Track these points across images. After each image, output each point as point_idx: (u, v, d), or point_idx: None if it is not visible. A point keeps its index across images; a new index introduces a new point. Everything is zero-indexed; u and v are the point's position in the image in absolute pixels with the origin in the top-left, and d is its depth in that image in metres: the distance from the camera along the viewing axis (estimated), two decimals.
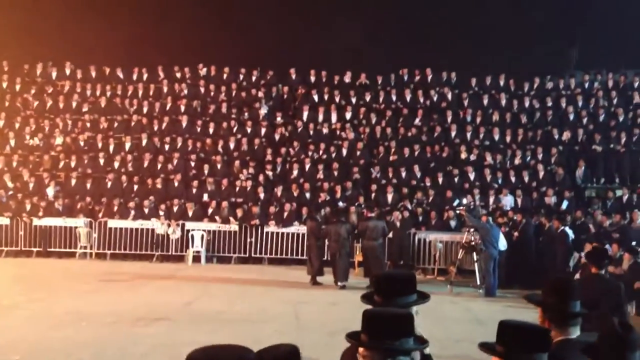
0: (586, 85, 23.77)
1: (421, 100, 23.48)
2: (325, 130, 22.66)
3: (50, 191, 20.97)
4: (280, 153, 22.16)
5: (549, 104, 23.03)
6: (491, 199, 20.01)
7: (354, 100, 23.67)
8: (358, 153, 21.92)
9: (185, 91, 24.10)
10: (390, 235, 18.45)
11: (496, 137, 22.09)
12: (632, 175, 21.00)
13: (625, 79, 23.43)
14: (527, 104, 23.13)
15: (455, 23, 25.32)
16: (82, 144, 22.35)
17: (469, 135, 22.15)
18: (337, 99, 23.73)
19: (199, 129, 22.89)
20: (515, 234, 17.45)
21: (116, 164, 21.77)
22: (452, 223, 19.39)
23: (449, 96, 23.49)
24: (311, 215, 18.03)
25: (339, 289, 15.81)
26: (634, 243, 15.23)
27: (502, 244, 16.27)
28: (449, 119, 22.80)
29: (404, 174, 21.18)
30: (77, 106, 23.55)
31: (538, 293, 3.96)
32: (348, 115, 23.20)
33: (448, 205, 19.87)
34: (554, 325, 3.65)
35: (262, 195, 20.72)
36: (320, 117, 23.14)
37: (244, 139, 22.36)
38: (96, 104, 23.74)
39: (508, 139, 22.00)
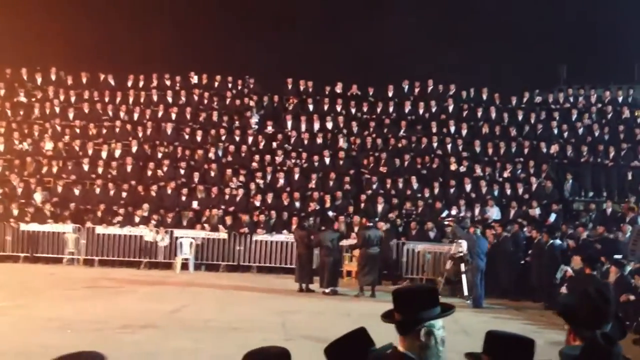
0: (572, 99, 23.85)
1: (413, 111, 23.51)
2: (319, 140, 22.67)
3: (38, 196, 20.86)
4: (270, 162, 22.15)
5: (539, 117, 23.14)
6: (477, 210, 20.06)
7: (344, 110, 23.69)
8: (341, 162, 21.91)
9: (177, 99, 24.04)
10: None
11: (479, 150, 22.15)
12: (620, 189, 21.17)
13: (610, 94, 23.60)
14: (519, 117, 23.21)
15: (449, 37, 25.52)
16: (77, 148, 22.24)
17: (455, 146, 22.22)
18: (329, 108, 23.73)
19: (187, 137, 22.85)
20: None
21: (100, 170, 21.67)
22: (431, 234, 19.40)
23: (441, 108, 23.54)
24: (300, 224, 18.07)
25: (324, 296, 15.96)
26: (619, 256, 15.31)
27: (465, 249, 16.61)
28: (434, 130, 22.83)
29: (400, 184, 21.20)
30: (65, 112, 23.43)
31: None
32: (335, 125, 23.17)
33: (435, 216, 19.91)
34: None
35: (257, 204, 20.69)
36: (310, 127, 23.13)
37: (233, 147, 22.34)
38: (84, 110, 23.63)
39: (491, 151, 22.07)
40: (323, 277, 16.52)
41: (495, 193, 20.79)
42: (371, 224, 17.60)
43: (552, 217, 19.60)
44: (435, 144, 22.33)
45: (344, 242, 18.30)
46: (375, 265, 16.73)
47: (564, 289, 14.46)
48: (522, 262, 17.74)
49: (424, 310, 3.13)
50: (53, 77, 24.64)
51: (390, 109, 23.62)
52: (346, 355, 3.18)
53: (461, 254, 16.58)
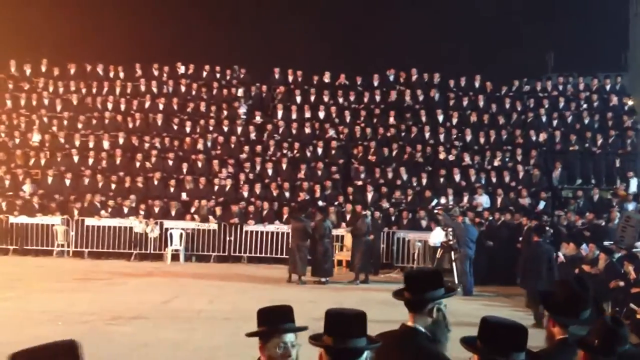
0: (561, 87, 23.95)
1: (402, 100, 23.51)
2: (307, 130, 22.63)
3: (26, 188, 20.74)
4: (258, 152, 22.09)
5: (527, 106, 23.22)
6: (465, 199, 20.14)
7: (332, 100, 23.65)
8: (332, 152, 21.91)
9: (164, 89, 23.93)
10: None
11: (469, 138, 22.19)
12: (608, 176, 21.29)
13: (597, 82, 23.70)
14: (506, 105, 23.26)
15: (436, 26, 25.51)
16: (62, 140, 22.11)
17: (443, 136, 22.26)
18: (317, 99, 23.70)
19: (176, 127, 22.75)
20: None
21: (91, 161, 21.56)
22: (423, 223, 19.49)
23: (430, 97, 23.56)
24: (295, 216, 17.63)
25: (316, 285, 16.00)
26: (608, 243, 15.42)
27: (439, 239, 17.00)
28: (424, 119, 22.84)
29: (389, 174, 21.22)
30: (52, 103, 23.28)
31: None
32: (324, 115, 23.15)
33: (425, 205, 19.96)
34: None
35: (245, 194, 20.66)
36: (298, 117, 23.10)
37: (221, 138, 22.28)
38: (72, 101, 23.46)
39: (482, 140, 22.12)
40: (319, 267, 16.51)
41: (484, 181, 20.86)
42: (365, 212, 17.73)
43: (541, 205, 19.71)
44: (427, 134, 22.32)
45: (335, 232, 18.39)
46: (369, 252, 17.23)
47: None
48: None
49: (431, 290, 3.51)
50: (43, 69, 24.45)
51: (377, 98, 23.60)
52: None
53: (451, 242, 16.66)
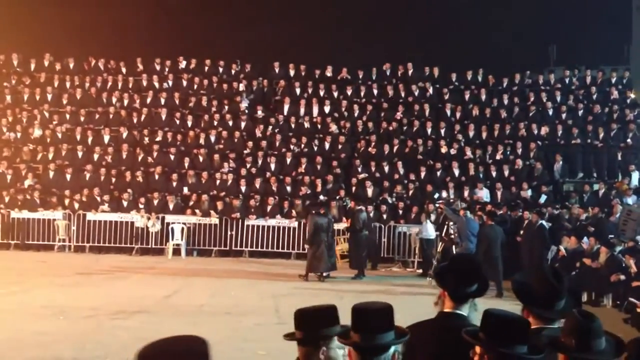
0: (567, 80, 23.89)
1: (402, 94, 23.49)
2: (306, 125, 22.62)
3: (28, 183, 20.74)
4: (260, 146, 22.07)
5: (529, 99, 23.16)
6: (466, 192, 20.12)
7: (335, 94, 23.62)
8: (339, 147, 21.91)
9: (166, 84, 23.92)
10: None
11: (471, 133, 22.17)
12: (609, 169, 21.26)
13: (602, 75, 23.66)
14: (506, 99, 23.22)
15: (439, 20, 25.46)
16: (59, 136, 22.11)
17: (446, 130, 22.24)
18: (319, 93, 23.66)
19: (178, 122, 22.76)
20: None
21: (95, 157, 21.58)
22: (432, 216, 19.42)
23: (430, 91, 23.52)
24: (317, 212, 16.75)
25: (321, 281, 15.93)
26: (610, 236, 15.43)
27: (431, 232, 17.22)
28: (427, 113, 22.81)
29: (386, 168, 21.22)
30: (55, 98, 23.28)
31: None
32: (329, 109, 23.14)
33: (427, 199, 19.93)
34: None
35: (243, 189, 20.66)
36: (302, 111, 23.09)
37: (224, 132, 22.27)
38: (75, 96, 23.47)
39: (484, 134, 22.09)
40: (321, 263, 16.43)
41: (485, 175, 20.83)
42: (360, 207, 17.68)
43: (543, 199, 19.71)
44: (429, 129, 22.28)
45: (336, 226, 18.35)
46: (366, 247, 17.28)
47: None
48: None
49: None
50: (46, 63, 24.43)
51: (378, 92, 23.56)
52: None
53: (452, 236, 16.67)
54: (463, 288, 3.82)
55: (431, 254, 17.25)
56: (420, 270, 17.76)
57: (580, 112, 22.41)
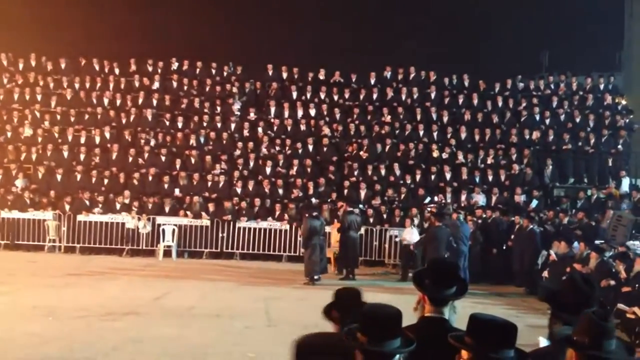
0: (554, 86, 23.96)
1: (396, 98, 23.49)
2: (302, 127, 22.60)
3: (19, 183, 20.66)
4: (252, 149, 22.04)
5: (520, 104, 23.23)
6: (463, 197, 20.20)
7: (327, 97, 23.62)
8: (328, 150, 21.89)
9: (156, 84, 23.87)
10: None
11: (463, 136, 22.21)
12: (600, 175, 21.34)
13: (591, 81, 23.76)
14: (499, 104, 23.27)
15: (431, 24, 25.52)
16: (56, 135, 22.01)
17: (440, 133, 22.27)
18: (312, 96, 23.65)
19: (167, 123, 22.70)
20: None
21: (82, 157, 21.46)
22: (416, 220, 19.29)
23: (424, 95, 23.55)
24: (312, 215, 16.75)
25: (311, 284, 15.91)
26: (599, 242, 15.49)
27: (414, 237, 17.12)
28: (419, 117, 22.84)
29: (382, 171, 21.23)
30: (45, 98, 23.17)
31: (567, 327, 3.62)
32: (313, 112, 23.09)
33: (418, 203, 19.95)
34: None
35: (238, 191, 20.62)
36: (292, 114, 23.06)
37: (215, 134, 22.22)
38: (66, 96, 23.36)
39: (477, 137, 22.14)
40: (319, 265, 16.42)
41: (477, 179, 20.88)
42: (351, 209, 17.76)
43: (534, 204, 19.79)
44: (421, 132, 22.31)
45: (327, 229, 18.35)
46: (356, 249, 17.42)
47: (545, 274, 14.65)
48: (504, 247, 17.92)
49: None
50: (33, 63, 24.31)
51: (374, 96, 23.59)
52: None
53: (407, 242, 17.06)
54: (443, 291, 3.86)
55: (414, 258, 17.24)
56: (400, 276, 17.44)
57: (572, 118, 22.46)
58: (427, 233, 16.53)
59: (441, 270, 4.00)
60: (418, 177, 21.08)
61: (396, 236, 19.17)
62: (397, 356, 3.12)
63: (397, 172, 21.20)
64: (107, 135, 22.24)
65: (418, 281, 4.00)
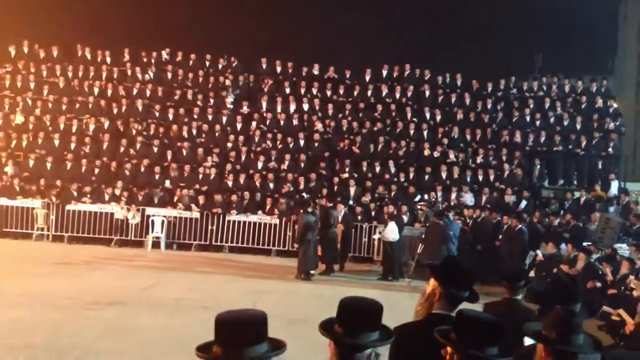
0: (546, 87, 24.02)
1: (389, 95, 23.51)
2: (295, 122, 22.57)
3: (9, 170, 20.54)
4: (244, 142, 22.00)
5: (513, 105, 23.29)
6: (452, 195, 20.24)
7: (320, 93, 23.60)
8: (320, 145, 21.89)
9: (147, 75, 23.78)
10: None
11: (455, 135, 22.26)
12: (590, 177, 21.44)
13: (583, 84, 23.84)
14: (490, 104, 23.31)
15: (425, 24, 25.54)
16: (47, 123, 21.91)
17: (430, 132, 22.31)
18: (304, 91, 23.63)
19: (157, 114, 22.63)
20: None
21: (72, 146, 21.36)
22: (405, 218, 19.16)
23: (416, 93, 23.58)
24: (307, 210, 16.60)
25: (304, 279, 15.95)
26: (586, 244, 15.56)
27: (394, 235, 16.87)
28: (409, 116, 22.86)
29: (376, 169, 21.25)
30: (37, 86, 23.06)
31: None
32: (306, 107, 23.07)
33: (408, 200, 19.97)
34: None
35: (229, 184, 20.58)
36: (286, 108, 23.04)
37: (207, 126, 22.18)
38: (59, 84, 23.26)
39: (469, 137, 22.20)
40: (313, 260, 16.43)
41: (468, 179, 20.93)
42: (331, 204, 17.88)
43: (523, 204, 19.86)
44: (412, 131, 22.34)
45: None
46: (335, 244, 17.38)
47: (532, 274, 14.70)
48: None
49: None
50: (26, 50, 24.18)
51: (369, 93, 23.58)
52: None
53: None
54: (462, 292, 3.86)
55: (395, 256, 16.97)
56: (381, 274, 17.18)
57: (563, 120, 22.53)
58: (427, 230, 16.53)
59: (465, 273, 3.99)
60: (411, 175, 21.10)
61: (380, 232, 18.92)
62: (369, 350, 2.99)
63: (392, 170, 21.20)
64: (100, 124, 22.15)
65: (443, 276, 3.89)
